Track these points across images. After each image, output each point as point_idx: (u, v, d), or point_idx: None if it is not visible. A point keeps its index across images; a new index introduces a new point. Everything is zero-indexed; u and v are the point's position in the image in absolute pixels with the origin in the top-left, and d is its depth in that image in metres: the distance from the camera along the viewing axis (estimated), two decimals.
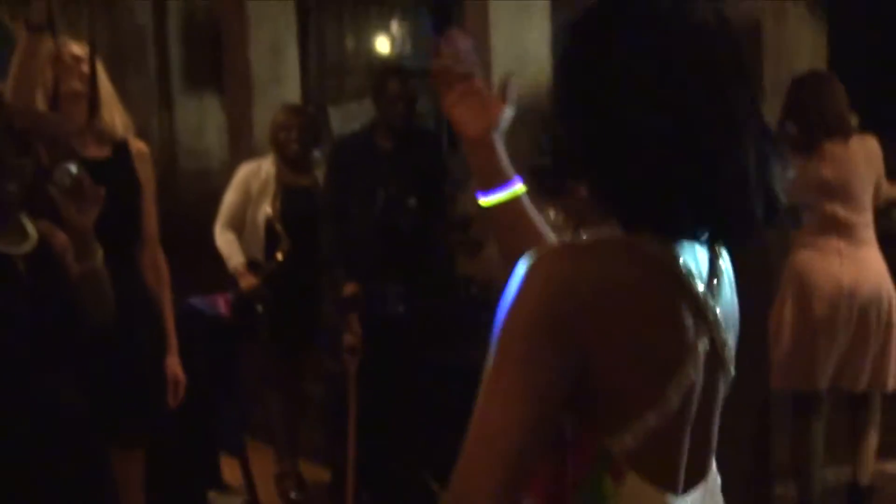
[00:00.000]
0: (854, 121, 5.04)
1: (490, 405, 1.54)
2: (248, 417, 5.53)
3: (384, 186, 5.11)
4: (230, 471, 5.41)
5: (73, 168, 2.94)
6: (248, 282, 5.50)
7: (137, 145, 3.98)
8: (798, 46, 10.65)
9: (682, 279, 1.61)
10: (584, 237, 1.68)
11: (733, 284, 1.76)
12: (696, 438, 1.66)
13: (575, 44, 1.65)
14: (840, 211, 4.89)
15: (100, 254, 3.07)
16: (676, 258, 1.61)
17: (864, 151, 4.98)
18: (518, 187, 1.95)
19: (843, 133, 4.92)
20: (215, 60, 7.93)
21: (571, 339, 1.53)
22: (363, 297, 5.03)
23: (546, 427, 1.54)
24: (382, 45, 9.82)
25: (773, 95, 9.77)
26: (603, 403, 1.58)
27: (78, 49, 3.81)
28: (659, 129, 1.55)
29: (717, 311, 1.65)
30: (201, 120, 8.19)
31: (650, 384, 1.58)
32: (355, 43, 9.66)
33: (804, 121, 4.95)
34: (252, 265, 5.57)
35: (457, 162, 7.49)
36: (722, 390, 1.72)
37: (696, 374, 1.61)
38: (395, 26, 9.69)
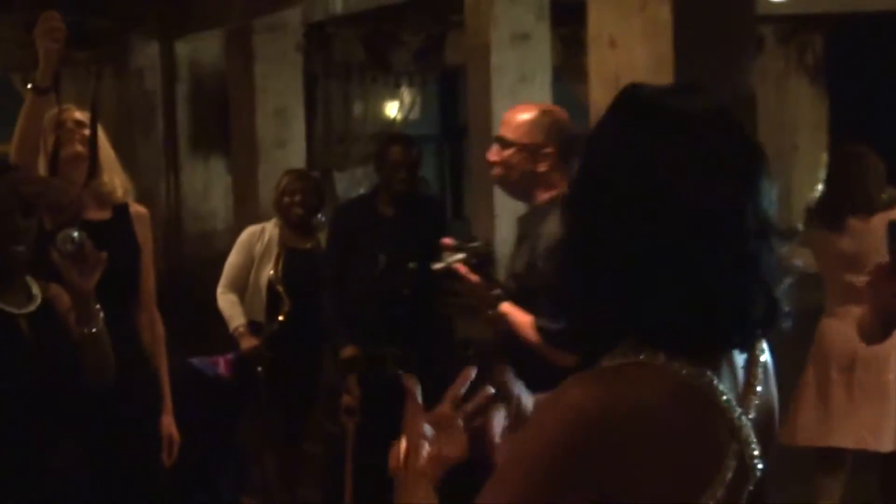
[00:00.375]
0: (887, 195, 5.23)
1: None
2: (246, 478, 5.57)
3: (385, 251, 5.18)
4: None
5: (76, 233, 3.02)
6: (248, 343, 5.56)
7: (137, 208, 4.08)
8: (799, 117, 10.80)
9: (712, 401, 1.57)
10: (609, 361, 1.60)
11: (771, 374, 1.72)
12: None
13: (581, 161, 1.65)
14: (858, 281, 5.01)
15: (101, 316, 3.14)
16: (707, 379, 1.57)
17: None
18: None
19: (868, 210, 5.14)
20: (222, 125, 8.05)
21: (589, 472, 1.51)
22: (363, 359, 5.08)
23: None
24: (389, 111, 9.95)
25: (774, 169, 9.91)
26: None
27: (79, 114, 3.91)
28: (648, 239, 1.53)
29: (750, 423, 1.60)
30: (207, 183, 8.29)
31: None
32: (362, 109, 9.78)
33: (831, 196, 5.28)
34: (253, 326, 5.63)
35: (459, 228, 7.58)
36: (747, 493, 1.64)
37: (722, 491, 1.57)
38: (402, 93, 9.82)
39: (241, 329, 5.61)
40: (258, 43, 7.66)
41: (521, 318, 3.64)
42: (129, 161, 4.17)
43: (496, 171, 3.83)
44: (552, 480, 1.52)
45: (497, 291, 3.69)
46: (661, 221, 1.53)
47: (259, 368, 5.54)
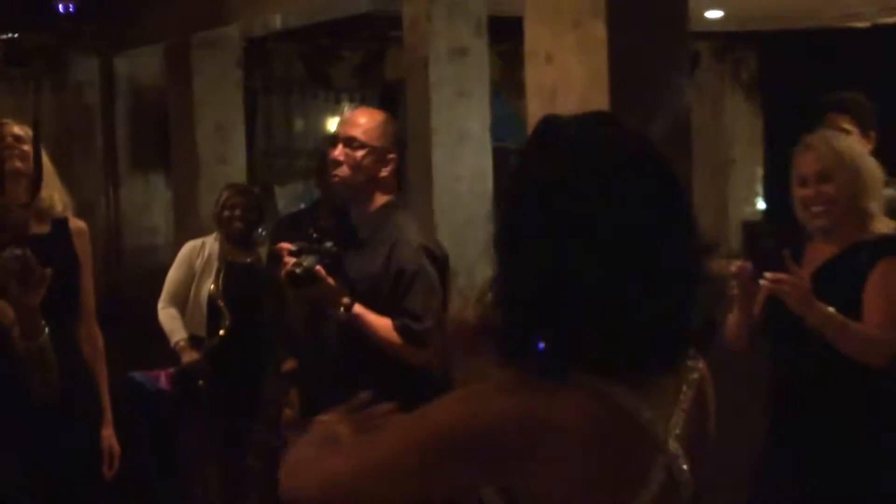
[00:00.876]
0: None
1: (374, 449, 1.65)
2: (188, 492, 5.57)
3: None
4: None
5: (19, 251, 3.05)
6: (189, 357, 5.56)
7: (76, 223, 4.10)
8: (735, 132, 10.94)
9: (633, 418, 1.60)
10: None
11: (706, 390, 1.76)
12: None
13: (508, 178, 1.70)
14: None
15: (45, 331, 3.16)
16: (628, 397, 1.60)
17: None
18: None
19: None
20: (162, 140, 8.04)
21: (494, 472, 1.58)
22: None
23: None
24: (329, 126, 9.97)
25: (711, 181, 9.98)
26: None
27: (19, 129, 3.93)
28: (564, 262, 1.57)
29: (676, 437, 1.65)
30: (147, 198, 8.27)
31: None
32: (303, 124, 9.80)
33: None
34: (194, 341, 5.64)
35: None
36: None
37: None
38: (342, 109, 9.85)
39: (182, 343, 5.61)
40: (197, 58, 7.66)
41: (375, 319, 3.71)
42: (69, 176, 4.18)
43: (342, 170, 3.83)
44: (446, 463, 1.58)
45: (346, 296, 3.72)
46: (563, 245, 1.57)
47: (200, 382, 5.55)
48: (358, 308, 3.70)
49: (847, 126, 4.46)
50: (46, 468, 3.56)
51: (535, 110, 4.74)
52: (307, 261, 3.72)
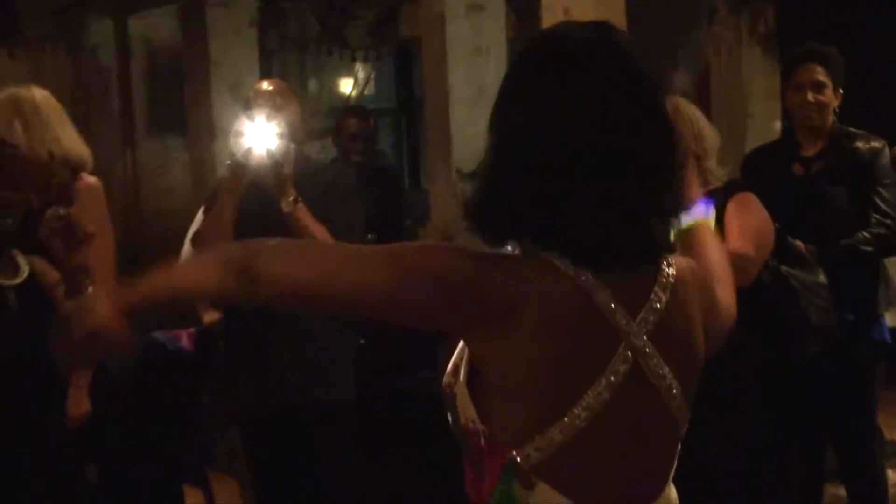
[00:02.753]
0: None
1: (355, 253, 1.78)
2: (212, 449, 5.60)
3: None
4: (193, 500, 5.47)
5: (63, 211, 3.07)
6: (210, 317, 5.57)
7: (86, 180, 4.14)
8: (752, 87, 10.85)
9: (598, 304, 1.67)
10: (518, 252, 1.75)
11: (690, 303, 1.79)
12: (627, 458, 1.71)
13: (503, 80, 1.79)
14: None
15: (90, 290, 3.18)
16: (594, 283, 1.67)
17: None
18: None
19: None
20: (178, 101, 8.03)
21: (466, 301, 1.67)
22: None
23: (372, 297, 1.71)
24: (344, 86, 9.94)
25: (728, 136, 9.94)
26: (506, 416, 1.66)
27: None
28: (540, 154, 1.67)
29: (645, 334, 1.70)
30: (165, 160, 8.27)
31: (551, 402, 1.65)
32: (318, 84, 9.77)
33: None
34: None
35: (417, 198, 7.61)
36: (662, 416, 1.74)
37: (609, 393, 1.67)
38: (357, 68, 9.81)
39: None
40: (212, 18, 7.64)
41: (314, 221, 4.06)
42: (85, 138, 4.18)
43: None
44: (429, 286, 1.67)
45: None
46: (540, 144, 1.67)
47: (220, 342, 5.55)
48: (302, 206, 3.99)
49: (822, 78, 4.62)
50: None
51: None
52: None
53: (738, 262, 3.71)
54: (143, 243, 7.98)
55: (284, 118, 4.09)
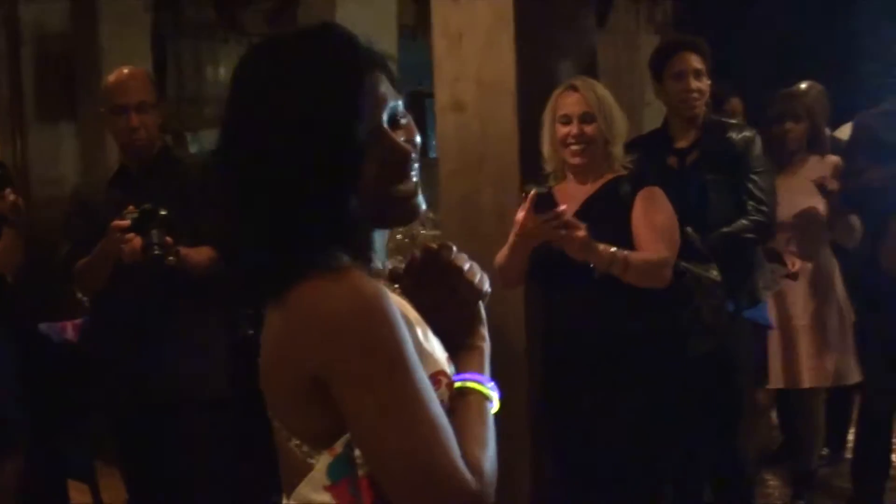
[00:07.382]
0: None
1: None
2: (99, 442, 5.52)
3: None
4: (80, 496, 5.39)
5: None
6: None
7: None
8: (649, 76, 10.92)
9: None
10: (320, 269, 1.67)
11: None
12: None
13: None
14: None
15: None
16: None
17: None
18: None
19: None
20: (70, 88, 7.88)
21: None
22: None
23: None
24: None
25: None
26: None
27: None
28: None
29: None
30: (55, 147, 8.11)
31: None
32: (214, 70, 9.66)
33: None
34: None
35: None
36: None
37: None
38: None
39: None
40: (104, 3, 7.51)
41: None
42: None
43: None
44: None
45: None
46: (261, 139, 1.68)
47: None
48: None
49: (698, 65, 4.78)
50: None
51: (441, 51, 4.71)
52: (155, 236, 3.94)
53: (658, 268, 3.80)
54: (33, 231, 7.81)
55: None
